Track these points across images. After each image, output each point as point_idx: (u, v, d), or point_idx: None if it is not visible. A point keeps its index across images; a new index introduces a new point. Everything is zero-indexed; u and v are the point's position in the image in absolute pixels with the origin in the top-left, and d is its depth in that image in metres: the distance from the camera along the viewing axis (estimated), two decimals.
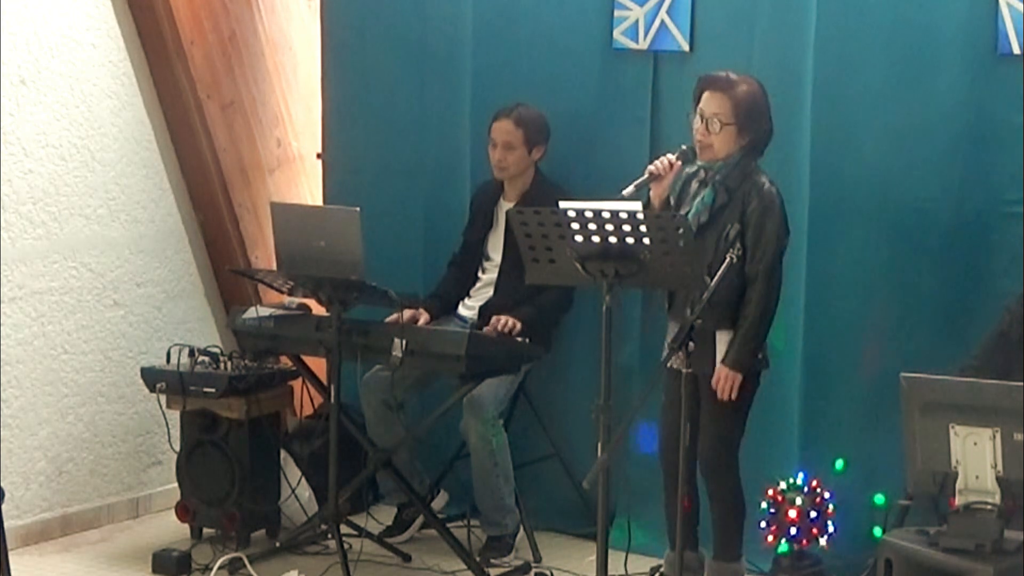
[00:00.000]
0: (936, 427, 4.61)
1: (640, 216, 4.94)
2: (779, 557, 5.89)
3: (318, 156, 7.28)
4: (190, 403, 6.34)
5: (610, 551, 5.21)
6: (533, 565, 6.23)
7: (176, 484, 6.52)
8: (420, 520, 6.47)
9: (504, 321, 6.10)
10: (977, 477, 4.57)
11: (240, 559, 6.12)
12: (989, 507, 4.53)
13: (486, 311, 6.30)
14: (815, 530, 5.80)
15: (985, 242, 5.80)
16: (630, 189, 5.40)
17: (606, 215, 4.94)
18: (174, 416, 6.48)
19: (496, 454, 6.19)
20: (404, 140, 6.90)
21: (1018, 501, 4.55)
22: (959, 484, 4.58)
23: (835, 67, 5.94)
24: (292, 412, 6.92)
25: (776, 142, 5.74)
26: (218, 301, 7.15)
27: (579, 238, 5.00)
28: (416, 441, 6.38)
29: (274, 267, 6.23)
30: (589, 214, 4.95)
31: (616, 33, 6.37)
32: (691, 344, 5.10)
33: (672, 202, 5.56)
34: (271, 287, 6.44)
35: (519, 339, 6.07)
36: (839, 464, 5.91)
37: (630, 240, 4.95)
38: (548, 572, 6.14)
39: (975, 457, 4.56)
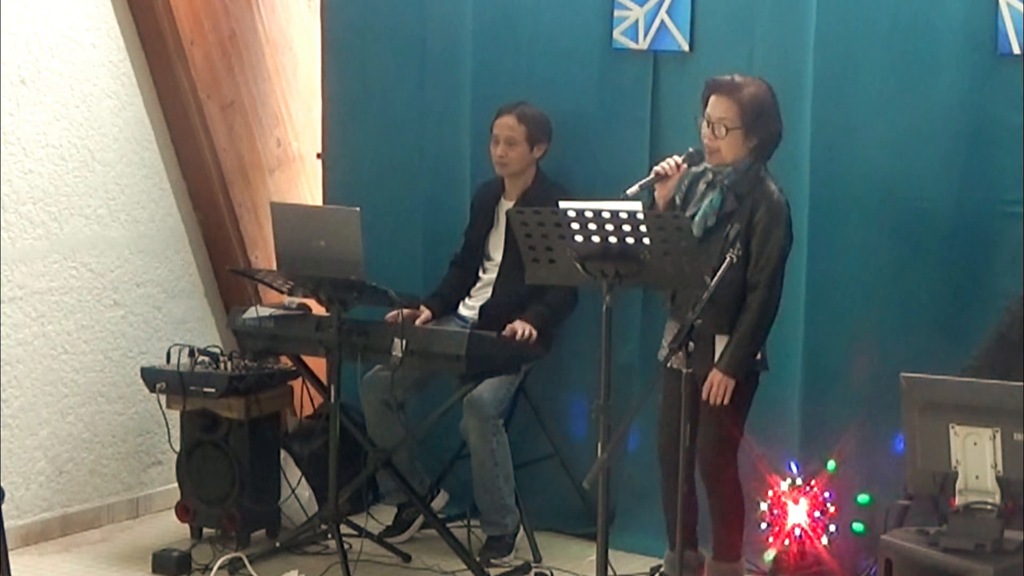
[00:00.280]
0: (936, 427, 4.61)
1: (640, 216, 4.93)
2: (779, 557, 5.89)
3: (318, 156, 7.28)
4: (190, 403, 6.34)
5: (610, 551, 5.21)
6: (533, 565, 6.23)
7: (176, 484, 6.52)
8: (420, 520, 6.47)
9: (521, 330, 6.08)
10: (977, 477, 4.57)
11: (240, 559, 6.12)
12: (989, 507, 4.53)
13: (486, 311, 6.30)
14: (818, 530, 5.80)
15: (985, 242, 5.80)
16: (634, 189, 5.39)
17: (606, 215, 4.94)
18: (174, 416, 6.48)
19: (496, 454, 6.19)
20: (404, 140, 6.90)
21: (1018, 501, 4.55)
22: (959, 484, 4.58)
23: (835, 67, 5.94)
24: (292, 412, 6.92)
25: None
26: (218, 301, 7.16)
27: (579, 238, 5.00)
28: (416, 441, 6.37)
29: (274, 267, 6.23)
30: (589, 214, 4.95)
31: (616, 33, 6.37)
32: (691, 344, 5.10)
33: (678, 202, 5.56)
34: (271, 287, 6.44)
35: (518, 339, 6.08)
36: (831, 465, 5.91)
37: (630, 240, 4.94)
38: (548, 572, 6.14)
39: (975, 457, 4.56)
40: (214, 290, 7.16)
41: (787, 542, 5.82)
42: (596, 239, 4.98)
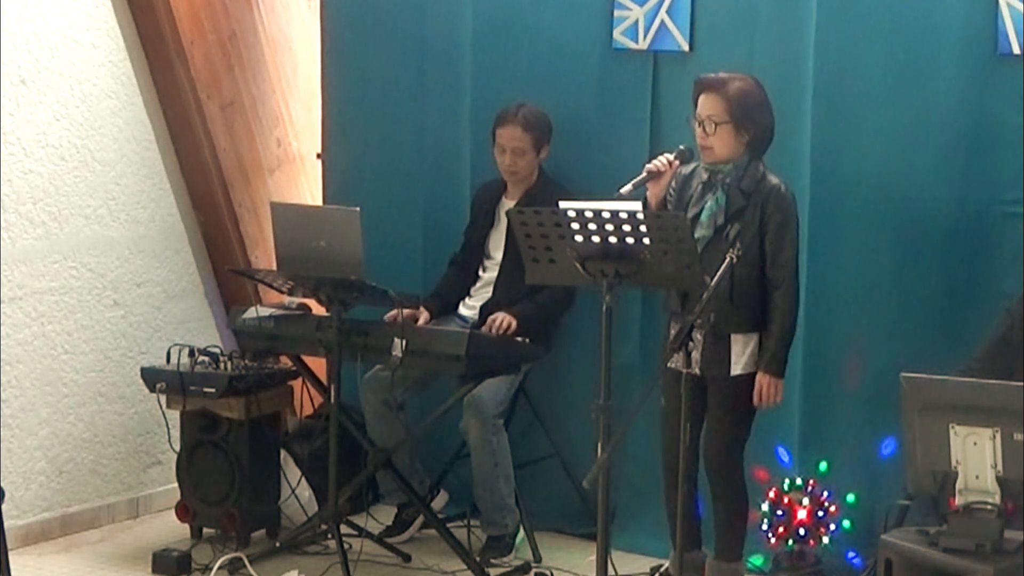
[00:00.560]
0: (936, 427, 4.61)
1: (640, 216, 4.94)
2: (779, 557, 5.89)
3: (318, 156, 7.28)
4: (190, 403, 6.34)
5: (610, 551, 5.20)
6: (533, 565, 6.23)
7: (176, 484, 6.52)
8: (420, 520, 6.47)
9: (499, 321, 6.10)
10: (977, 477, 4.57)
11: (240, 559, 6.12)
12: (989, 507, 4.53)
13: (486, 310, 6.30)
14: (822, 530, 5.80)
15: (985, 242, 5.80)
16: (628, 187, 5.41)
17: (606, 215, 4.94)
18: (174, 416, 6.48)
19: (496, 454, 6.19)
20: (404, 140, 6.90)
21: (1018, 501, 4.55)
22: (959, 484, 4.58)
23: (835, 67, 5.94)
24: (292, 412, 6.92)
25: (776, 142, 5.73)
26: (218, 301, 7.15)
27: (579, 238, 5.00)
28: (416, 441, 6.37)
29: (274, 267, 6.23)
30: (589, 214, 4.95)
31: (616, 33, 6.37)
32: (691, 344, 5.10)
33: (667, 204, 5.57)
34: (271, 287, 6.44)
35: (519, 339, 6.07)
36: (823, 466, 5.92)
37: (630, 240, 4.95)
38: (548, 572, 6.14)
39: (975, 457, 4.56)
40: (214, 290, 7.16)
41: (792, 543, 5.82)
42: (596, 239, 4.98)
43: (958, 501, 4.59)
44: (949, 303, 5.85)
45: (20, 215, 6.35)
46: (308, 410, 6.71)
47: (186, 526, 6.48)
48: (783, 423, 5.98)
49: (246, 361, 6.44)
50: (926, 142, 5.85)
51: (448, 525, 6.26)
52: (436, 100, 6.82)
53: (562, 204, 5.04)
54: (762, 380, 5.45)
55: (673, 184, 5.59)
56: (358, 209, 5.90)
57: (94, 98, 6.62)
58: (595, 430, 4.96)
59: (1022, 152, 5.64)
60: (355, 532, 6.26)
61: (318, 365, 6.39)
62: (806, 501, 5.80)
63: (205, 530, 6.46)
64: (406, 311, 6.07)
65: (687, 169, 5.60)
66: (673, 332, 5.54)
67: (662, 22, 6.26)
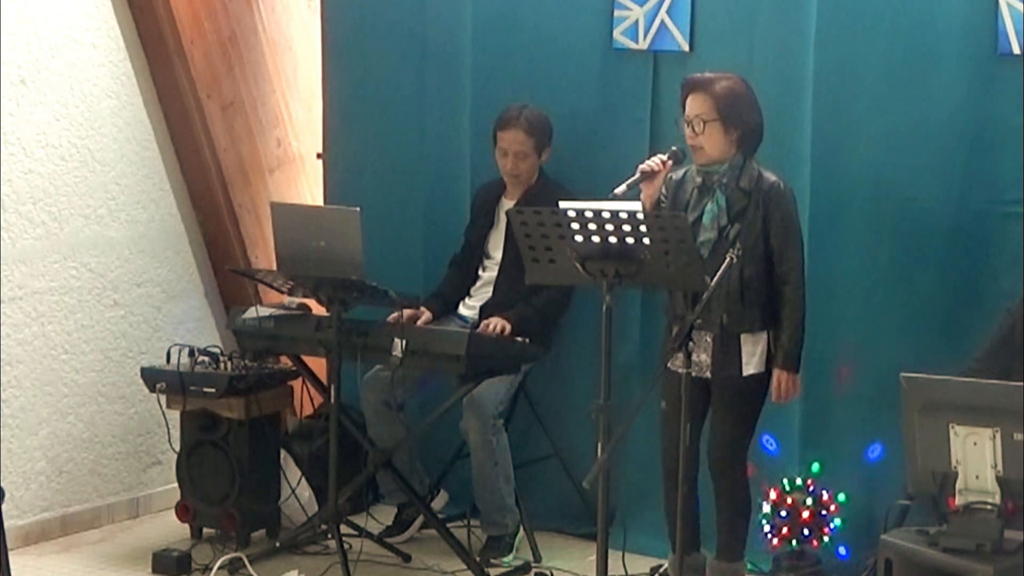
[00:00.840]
0: (936, 427, 4.61)
1: (640, 216, 4.94)
2: (779, 557, 5.89)
3: (318, 156, 7.28)
4: (190, 403, 6.34)
5: (610, 551, 5.20)
6: (533, 565, 6.23)
7: (176, 484, 6.52)
8: (420, 520, 6.47)
9: (494, 324, 6.10)
10: (977, 477, 4.57)
11: (240, 559, 6.12)
12: (989, 507, 4.53)
13: (486, 310, 6.30)
14: (824, 529, 5.81)
15: (985, 242, 5.80)
16: (622, 188, 5.42)
17: (606, 215, 4.94)
18: (174, 416, 6.48)
19: (496, 454, 6.19)
20: (404, 140, 6.90)
21: (1018, 501, 4.55)
22: (959, 484, 4.58)
23: (835, 67, 5.94)
24: (292, 412, 6.92)
25: (776, 142, 5.74)
26: (218, 301, 7.15)
27: (579, 238, 5.00)
28: (416, 441, 6.37)
29: (274, 267, 6.23)
30: (589, 214, 4.95)
31: (616, 33, 6.37)
32: (691, 344, 5.10)
33: (663, 204, 5.57)
34: (271, 287, 6.44)
35: (518, 339, 6.07)
36: (815, 467, 5.92)
37: (630, 240, 4.95)
38: (548, 572, 6.15)
39: (975, 457, 4.56)
40: (214, 290, 7.16)
41: (796, 543, 5.82)
42: (596, 239, 4.98)
43: (958, 501, 4.59)
44: (949, 303, 5.85)
45: (20, 215, 6.35)
46: (308, 410, 6.71)
47: (186, 526, 6.48)
48: (783, 423, 5.98)
49: (246, 361, 6.44)
50: (926, 142, 5.85)
51: (448, 525, 6.26)
52: (436, 100, 6.82)
53: (562, 204, 5.04)
54: (780, 376, 5.46)
55: (664, 191, 5.59)
56: (358, 209, 5.90)
57: (94, 98, 6.62)
58: (595, 430, 4.96)
59: (1022, 152, 5.64)
60: (355, 532, 6.26)
61: (318, 365, 6.38)
62: (809, 501, 5.80)
63: (205, 530, 6.46)
64: (407, 311, 6.07)
65: (678, 175, 5.61)
66: (674, 334, 5.55)
67: (662, 22, 6.26)
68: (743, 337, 5.47)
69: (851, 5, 5.91)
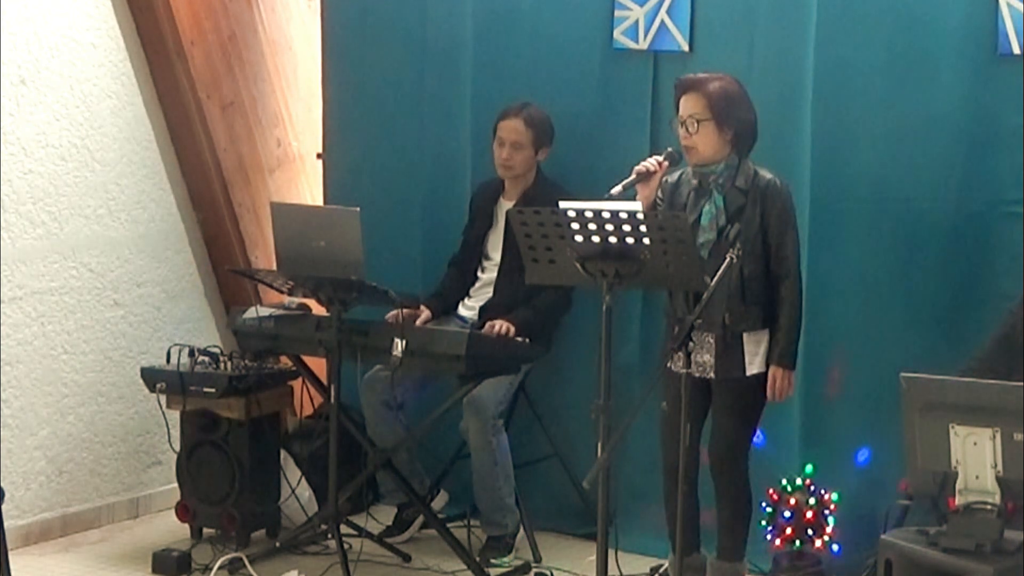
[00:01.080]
0: (936, 427, 4.61)
1: (640, 216, 4.94)
2: (779, 557, 5.89)
3: (318, 156, 7.28)
4: (190, 403, 6.34)
5: (610, 551, 5.20)
6: (533, 565, 6.23)
7: (176, 484, 6.52)
8: (420, 520, 6.47)
9: (499, 327, 6.10)
10: (977, 477, 4.56)
11: (240, 559, 6.12)
12: (989, 507, 4.53)
13: (486, 311, 6.30)
14: (828, 529, 5.81)
15: (985, 242, 5.80)
16: (617, 189, 5.43)
17: (606, 215, 4.94)
18: (174, 416, 6.48)
19: (496, 454, 6.19)
20: (404, 140, 6.90)
21: (1018, 501, 4.55)
22: (959, 484, 4.58)
23: (835, 67, 5.94)
24: (292, 412, 6.92)
25: (776, 142, 5.74)
26: (218, 301, 7.15)
27: (579, 238, 4.99)
28: (416, 441, 6.37)
29: (274, 267, 6.23)
30: (589, 214, 4.95)
31: (616, 33, 6.37)
32: (691, 344, 5.10)
33: (659, 205, 5.57)
34: (271, 287, 6.44)
35: (519, 339, 6.07)
36: (808, 469, 5.91)
37: (630, 240, 4.94)
38: (548, 572, 6.15)
39: (975, 457, 4.56)
40: (214, 290, 7.16)
41: (799, 543, 5.82)
42: (596, 239, 4.97)
43: (958, 501, 4.58)
44: (949, 303, 5.85)
45: (20, 215, 6.35)
46: (308, 410, 6.70)
47: (186, 526, 6.48)
48: (783, 423, 5.98)
49: (246, 361, 6.44)
50: (926, 142, 5.85)
51: (448, 525, 6.26)
52: (436, 100, 6.82)
53: (562, 204, 5.03)
54: (775, 373, 5.46)
55: (660, 194, 5.59)
56: (358, 209, 5.90)
57: (94, 98, 6.62)
58: (595, 430, 4.96)
59: (1022, 152, 5.64)
60: (355, 532, 6.26)
61: (318, 365, 6.38)
62: (812, 501, 5.81)
63: (205, 530, 6.46)
64: (406, 311, 6.07)
65: (674, 177, 5.61)
66: (675, 334, 5.55)
67: (662, 22, 6.26)
68: (746, 336, 5.48)
69: (851, 5, 5.92)
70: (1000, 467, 4.53)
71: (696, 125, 5.46)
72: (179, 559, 6.10)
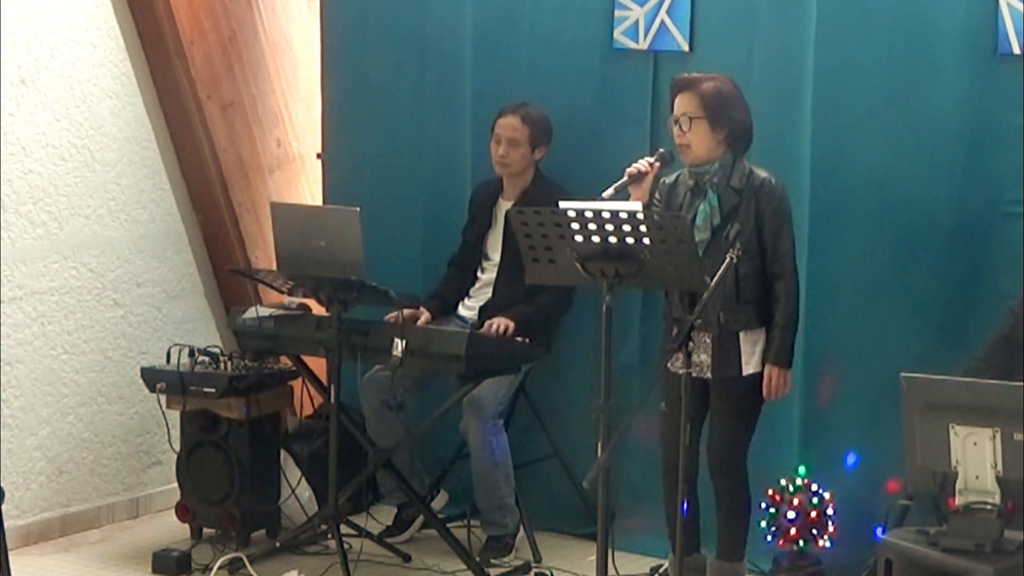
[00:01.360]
0: (936, 427, 4.61)
1: (640, 216, 4.94)
2: (779, 557, 5.89)
3: (318, 156, 7.28)
4: (190, 403, 6.34)
5: (610, 551, 5.21)
6: (533, 565, 6.23)
7: (176, 484, 6.52)
8: (420, 520, 6.47)
9: (497, 324, 6.10)
10: (977, 477, 4.57)
11: (240, 559, 6.12)
12: (989, 507, 4.53)
13: (486, 311, 6.30)
14: (831, 529, 5.81)
15: (985, 242, 5.80)
16: (609, 192, 5.44)
17: (606, 215, 4.94)
18: (174, 416, 6.48)
19: (496, 454, 6.18)
20: (404, 140, 6.90)
21: (1018, 501, 4.55)
22: (959, 484, 4.58)
23: (835, 67, 5.94)
24: (292, 412, 6.92)
25: (776, 142, 5.74)
26: (218, 301, 7.15)
27: (579, 238, 4.99)
28: (416, 441, 6.37)
29: (274, 267, 6.23)
30: (589, 214, 4.95)
31: (616, 33, 6.37)
32: (691, 344, 5.10)
33: (654, 208, 5.57)
34: (271, 287, 6.44)
35: (519, 339, 6.07)
36: (801, 469, 5.91)
37: (630, 240, 4.94)
38: (548, 572, 6.14)
39: (975, 457, 4.56)
40: (214, 290, 7.16)
41: (802, 543, 5.82)
42: (596, 239, 4.97)
43: (958, 501, 4.59)
44: (949, 303, 5.85)
45: (20, 215, 6.35)
46: (308, 410, 6.71)
47: (186, 526, 6.48)
48: (783, 423, 5.98)
49: (246, 361, 6.44)
50: (926, 142, 5.85)
51: (448, 525, 6.26)
52: (436, 100, 6.82)
53: (562, 204, 5.03)
54: (771, 372, 5.46)
55: (658, 195, 5.60)
56: (358, 209, 5.90)
57: (94, 98, 6.62)
58: (595, 430, 4.96)
59: (1022, 152, 5.64)
60: (355, 532, 6.26)
61: (318, 365, 6.38)
62: (816, 500, 5.81)
63: (205, 530, 6.46)
64: (406, 311, 6.07)
65: (670, 179, 5.62)
66: (674, 334, 5.55)
67: (662, 22, 6.26)
68: (742, 335, 5.48)
69: (851, 5, 5.92)
70: (1000, 467, 4.54)
71: (689, 123, 5.46)
72: (179, 559, 6.10)
